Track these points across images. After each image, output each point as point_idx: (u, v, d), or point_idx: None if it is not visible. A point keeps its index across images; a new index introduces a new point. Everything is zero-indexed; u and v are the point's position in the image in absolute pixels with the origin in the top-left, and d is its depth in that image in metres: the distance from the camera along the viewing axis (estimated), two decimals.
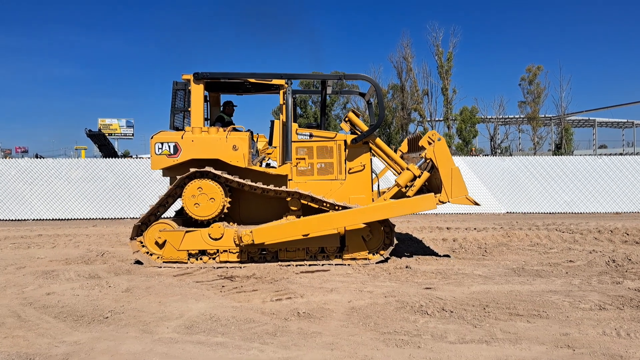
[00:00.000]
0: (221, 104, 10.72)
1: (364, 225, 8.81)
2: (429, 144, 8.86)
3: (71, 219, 17.52)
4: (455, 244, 11.03)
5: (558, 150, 49.90)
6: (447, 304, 5.94)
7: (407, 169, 8.96)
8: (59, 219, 17.51)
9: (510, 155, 47.38)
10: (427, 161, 8.90)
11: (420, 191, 8.98)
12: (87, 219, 17.55)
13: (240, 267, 8.51)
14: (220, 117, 10.13)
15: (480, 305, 5.87)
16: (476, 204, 8.69)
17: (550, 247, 10.44)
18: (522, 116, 54.14)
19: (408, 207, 8.61)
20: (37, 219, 17.46)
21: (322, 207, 8.82)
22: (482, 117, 51.52)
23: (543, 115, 52.10)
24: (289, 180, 9.41)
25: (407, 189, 8.87)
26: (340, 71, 58.09)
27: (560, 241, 11.24)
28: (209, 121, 10.36)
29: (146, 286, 6.99)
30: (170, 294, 6.53)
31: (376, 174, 10.31)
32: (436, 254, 9.62)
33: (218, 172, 8.66)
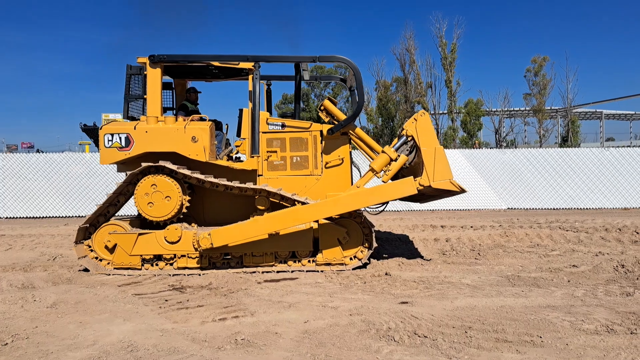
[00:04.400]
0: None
1: (340, 227, 7.79)
2: (414, 122, 7.86)
3: (47, 216, 16.59)
4: (447, 245, 10.00)
5: (564, 143, 48.59)
6: (422, 325, 4.92)
7: (383, 151, 7.93)
8: (34, 217, 16.58)
9: (515, 147, 46.14)
10: (409, 139, 7.87)
11: (399, 178, 7.97)
12: (64, 216, 16.59)
13: (200, 275, 7.54)
14: (183, 105, 9.12)
15: (461, 327, 4.86)
16: (462, 190, 7.66)
17: (552, 249, 9.39)
18: (527, 108, 52.77)
19: (384, 193, 7.60)
20: (10, 217, 16.53)
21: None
22: (487, 109, 50.28)
23: (549, 108, 50.72)
24: (259, 175, 8.41)
25: (383, 173, 7.86)
26: (344, 64, 57.04)
27: (563, 241, 10.18)
28: (173, 111, 9.38)
29: (76, 300, 6.03)
30: (99, 311, 5.56)
31: (358, 169, 9.29)
32: (423, 257, 8.60)
33: (174, 167, 7.66)
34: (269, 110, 10.02)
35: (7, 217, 16.55)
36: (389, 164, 7.88)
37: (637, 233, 10.80)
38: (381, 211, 9.04)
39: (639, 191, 16.70)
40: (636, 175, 16.70)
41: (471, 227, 12.56)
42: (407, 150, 8.05)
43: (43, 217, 16.54)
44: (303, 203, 7.65)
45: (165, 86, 9.57)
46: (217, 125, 9.46)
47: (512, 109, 54.43)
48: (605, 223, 12.47)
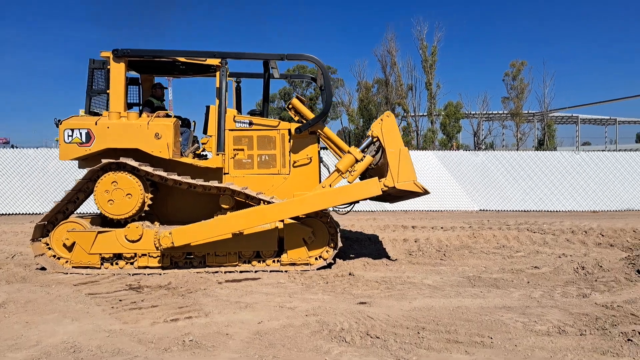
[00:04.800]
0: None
1: (306, 227, 7.73)
2: (379, 123, 7.86)
3: (20, 213, 16.15)
4: (415, 245, 10.01)
5: (541, 146, 49.30)
6: (376, 326, 4.89)
7: (349, 152, 7.91)
8: (6, 214, 16.13)
9: (494, 150, 46.69)
10: (375, 140, 7.86)
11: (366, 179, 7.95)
12: (37, 213, 16.16)
13: (160, 274, 7.41)
14: (148, 101, 8.95)
15: (415, 328, 4.84)
16: (426, 191, 7.66)
17: (517, 250, 9.46)
18: (505, 112, 53.40)
19: (349, 193, 7.57)
20: None
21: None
22: (466, 112, 50.78)
23: (526, 111, 51.42)
24: (225, 174, 8.30)
25: (349, 174, 7.84)
26: (325, 64, 57.01)
27: (529, 243, 10.27)
28: (140, 107, 9.21)
29: (27, 300, 5.86)
30: (48, 311, 5.41)
31: (328, 168, 9.24)
32: (389, 258, 8.58)
33: (135, 164, 7.51)
34: (239, 107, 9.92)
35: None
36: (355, 164, 7.85)
37: (602, 235, 10.97)
38: (349, 211, 9.02)
39: (608, 194, 16.99)
40: (605, 178, 16.98)
41: (441, 227, 12.61)
42: (374, 151, 8.03)
43: (16, 213, 16.13)
44: (268, 202, 7.58)
45: (132, 82, 9.43)
46: (184, 122, 9.32)
47: (490, 112, 55.06)
48: (572, 225, 12.63)
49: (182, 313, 5.34)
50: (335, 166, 7.93)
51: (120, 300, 5.87)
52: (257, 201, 7.71)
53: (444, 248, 9.61)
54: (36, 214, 16.07)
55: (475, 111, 52.97)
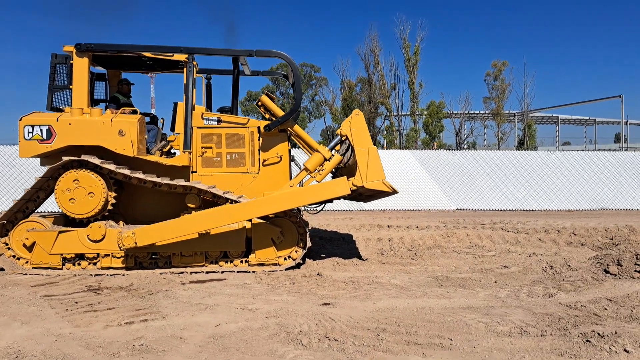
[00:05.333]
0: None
1: (275, 227, 7.59)
2: (348, 122, 7.77)
3: None
4: (388, 245, 9.93)
5: (521, 146, 49.78)
6: (336, 328, 4.78)
7: (317, 150, 7.81)
8: None
9: (475, 150, 47.00)
10: (343, 138, 7.76)
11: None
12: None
13: (123, 275, 7.22)
14: (114, 97, 8.74)
15: (376, 330, 4.74)
16: (394, 191, 7.58)
17: (489, 250, 9.44)
18: (487, 112, 53.83)
19: (317, 193, 7.46)
20: None
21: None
22: (448, 112, 51.07)
23: (507, 111, 51.90)
24: (193, 172, 8.13)
25: (317, 173, 7.73)
26: (309, 63, 56.73)
27: (501, 242, 10.27)
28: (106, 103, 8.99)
29: None
30: None
31: (299, 167, 9.11)
32: (360, 257, 8.49)
33: (97, 162, 7.30)
34: (209, 104, 9.75)
35: None
36: (323, 163, 7.74)
37: (575, 234, 11.01)
38: (320, 211, 8.91)
39: (583, 193, 17.14)
40: (580, 178, 17.13)
41: (417, 227, 12.57)
42: (344, 149, 7.93)
43: None
44: (234, 201, 7.43)
45: (99, 77, 9.21)
46: (152, 119, 9.14)
47: (472, 111, 55.46)
48: (546, 224, 12.69)
49: (139, 316, 5.18)
50: (304, 165, 7.82)
51: (76, 303, 5.68)
52: (224, 200, 7.55)
53: (416, 247, 9.55)
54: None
55: (457, 111, 53.33)
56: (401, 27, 46.57)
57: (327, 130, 56.12)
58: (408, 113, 49.07)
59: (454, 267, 7.91)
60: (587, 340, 4.32)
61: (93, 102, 9.01)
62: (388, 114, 49.82)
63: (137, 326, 4.84)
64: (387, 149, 39.03)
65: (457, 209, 17.14)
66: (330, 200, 9.22)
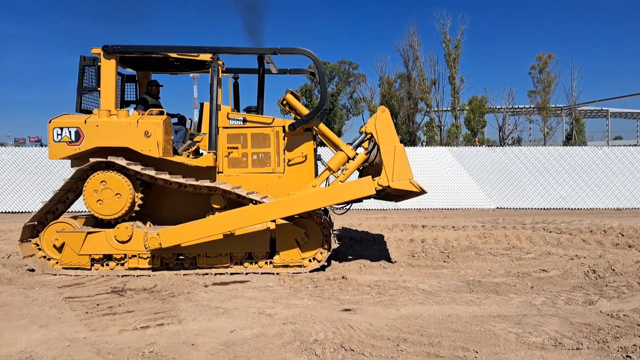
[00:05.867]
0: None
1: (299, 228, 7.42)
2: (374, 119, 7.52)
3: (26, 212, 16.31)
4: (420, 246, 9.60)
5: (569, 141, 47.90)
6: (354, 337, 4.56)
7: (340, 149, 7.58)
8: (28, 212, 16.29)
9: (520, 145, 45.25)
10: (368, 136, 7.50)
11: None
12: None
13: (149, 276, 7.22)
14: (142, 99, 8.77)
15: (396, 339, 4.49)
16: (423, 191, 7.26)
17: (528, 252, 8.98)
18: (532, 106, 52.11)
19: (340, 193, 7.22)
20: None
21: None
22: (491, 107, 49.74)
23: (553, 105, 50.10)
24: (219, 172, 8.06)
25: (340, 173, 7.51)
26: (347, 60, 56.38)
27: (542, 243, 9.76)
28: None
29: (3, 304, 5.72)
30: (20, 316, 5.24)
31: (327, 166, 8.91)
32: (389, 260, 8.22)
33: (123, 163, 7.31)
34: (237, 104, 9.67)
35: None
36: (347, 162, 7.52)
37: (622, 235, 10.37)
38: (346, 211, 8.72)
39: (633, 191, 16.21)
40: (630, 175, 16.20)
41: (452, 227, 12.15)
42: (371, 148, 7.67)
43: (30, 211, 16.27)
44: (257, 202, 7.30)
45: (129, 79, 9.28)
46: (180, 120, 9.15)
47: (516, 106, 53.81)
48: (592, 224, 12.03)
49: (156, 319, 5.11)
50: (326, 164, 7.61)
51: (97, 305, 5.68)
52: (249, 201, 7.44)
53: (449, 249, 9.19)
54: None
55: (501, 105, 51.85)
56: (441, 21, 45.60)
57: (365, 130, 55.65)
58: (449, 108, 48.04)
59: (488, 270, 7.53)
60: (627, 356, 3.94)
61: (124, 103, 9.11)
62: (428, 109, 48.93)
63: (152, 331, 4.77)
64: (427, 145, 38.39)
65: (497, 207, 16.53)
66: (359, 200, 8.98)
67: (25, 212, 16.26)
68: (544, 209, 16.34)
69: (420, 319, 5.09)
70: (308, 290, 6.37)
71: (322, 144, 9.04)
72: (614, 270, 7.09)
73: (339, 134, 48.48)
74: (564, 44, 78.09)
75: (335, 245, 7.49)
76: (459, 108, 47.03)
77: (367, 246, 9.66)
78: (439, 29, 46.29)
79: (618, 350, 4.07)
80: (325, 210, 9.56)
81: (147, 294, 6.20)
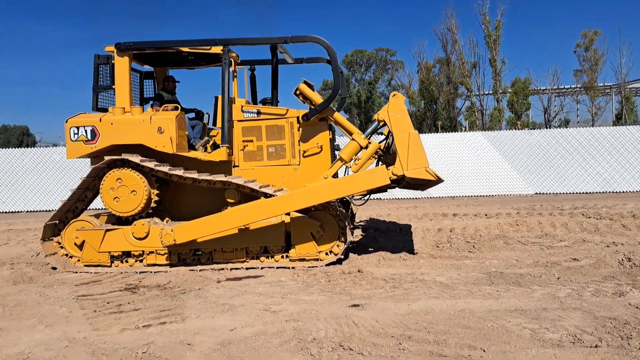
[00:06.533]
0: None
1: (314, 221, 7.25)
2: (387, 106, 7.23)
3: None
4: (447, 236, 9.25)
5: (618, 121, 45.63)
6: (355, 335, 4.35)
7: (352, 139, 7.32)
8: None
9: (567, 127, 43.43)
10: (381, 124, 7.22)
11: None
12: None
13: (166, 272, 7.22)
14: (158, 95, 8.76)
15: (400, 337, 4.25)
16: (439, 179, 6.91)
17: (561, 239, 8.49)
18: (578, 86, 49.88)
19: (353, 184, 6.98)
20: (30, 211, 16.91)
21: None
22: (535, 88, 47.95)
23: (601, 84, 47.81)
24: (235, 166, 7.98)
25: (353, 163, 7.27)
26: (384, 47, 55.54)
27: (578, 230, 9.23)
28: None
29: (17, 303, 5.82)
30: (29, 316, 5.30)
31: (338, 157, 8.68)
32: (411, 251, 7.93)
33: (137, 160, 7.32)
34: (254, 96, 9.55)
35: (28, 211, 16.93)
36: (360, 152, 7.27)
37: None
38: (365, 202, 8.49)
39: None
40: None
41: (485, 215, 11.70)
42: (385, 136, 7.40)
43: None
44: (269, 195, 7.16)
45: (148, 75, 9.31)
46: (198, 115, 9.11)
47: (561, 86, 51.62)
48: (635, 208, 11.32)
49: (160, 318, 5.06)
50: (338, 155, 7.39)
51: (107, 303, 5.69)
52: (262, 195, 7.32)
53: (477, 239, 8.80)
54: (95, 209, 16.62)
55: (545, 87, 49.99)
56: (480, 2, 44.11)
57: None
58: (490, 92, 46.59)
59: (515, 260, 7.14)
60: None
61: (143, 100, 9.16)
62: (469, 94, 47.62)
63: (153, 330, 4.71)
64: (469, 130, 37.36)
65: (536, 193, 15.85)
66: (383, 190, 8.72)
67: None
68: (587, 193, 15.55)
69: (430, 315, 4.83)
70: (320, 284, 6.20)
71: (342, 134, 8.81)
72: None
73: None
74: (610, 20, 73.94)
75: (350, 237, 7.28)
76: (501, 91, 45.54)
77: (391, 237, 9.40)
78: (478, 10, 44.74)
79: (639, 349, 3.71)
80: (347, 202, 9.36)
81: (159, 291, 6.19)
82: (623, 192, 15.36)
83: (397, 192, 15.45)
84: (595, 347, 3.85)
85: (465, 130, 38.09)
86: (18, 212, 17.08)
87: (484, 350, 3.90)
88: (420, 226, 10.50)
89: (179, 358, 4.02)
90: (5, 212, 17.08)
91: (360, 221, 11.44)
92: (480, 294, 5.45)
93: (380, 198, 15.65)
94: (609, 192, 15.49)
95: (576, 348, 3.87)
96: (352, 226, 9.68)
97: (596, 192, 15.53)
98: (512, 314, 4.77)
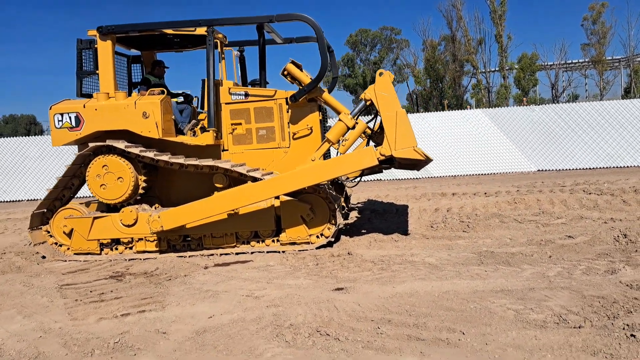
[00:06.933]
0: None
1: (304, 204, 7.12)
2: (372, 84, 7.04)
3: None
4: (443, 215, 9.09)
5: (627, 94, 44.86)
6: (334, 319, 4.25)
7: (339, 119, 7.15)
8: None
9: (575, 102, 42.81)
10: (368, 103, 7.04)
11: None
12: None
13: (155, 258, 7.16)
14: (145, 79, 8.60)
15: (380, 321, 4.14)
16: (428, 158, 6.75)
17: (558, 217, 8.31)
18: (586, 60, 49.01)
19: (340, 166, 6.82)
20: (31, 199, 16.93)
21: None
22: (542, 64, 47.19)
23: (610, 58, 46.98)
24: (224, 150, 7.85)
25: (340, 144, 7.11)
26: (389, 25, 54.73)
27: (576, 207, 9.04)
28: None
29: (0, 293, 5.76)
30: (9, 306, 5.26)
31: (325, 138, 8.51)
32: (404, 232, 7.79)
33: (121, 146, 7.21)
34: (244, 78, 9.38)
35: (29, 200, 16.96)
36: (347, 132, 7.10)
37: None
38: (357, 183, 8.36)
39: None
40: None
41: (485, 193, 11.52)
42: (374, 115, 7.22)
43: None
44: (257, 179, 7.04)
45: (135, 60, 9.15)
46: (186, 98, 8.95)
47: (569, 61, 50.81)
48: (637, 183, 11.07)
49: (140, 306, 4.98)
50: (325, 136, 7.22)
51: (90, 292, 5.63)
52: (250, 179, 7.19)
53: (472, 218, 8.63)
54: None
55: (553, 62, 49.21)
56: None
57: (411, 94, 54.17)
58: (497, 69, 45.95)
59: (509, 239, 6.99)
60: (632, 335, 3.43)
61: (131, 85, 9.01)
62: (475, 71, 46.99)
63: (131, 318, 4.64)
64: (476, 107, 36.85)
65: (538, 170, 15.61)
66: (378, 171, 8.59)
67: None
68: (590, 168, 15.29)
69: (414, 297, 4.71)
70: (308, 268, 6.10)
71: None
72: None
73: None
74: None
75: (341, 220, 7.15)
76: (507, 67, 44.88)
77: (386, 218, 9.26)
78: None
79: (623, 328, 3.56)
80: (341, 184, 9.22)
81: (144, 278, 6.12)
82: (628, 166, 15.07)
83: (397, 173, 15.29)
84: (579, 327, 3.72)
85: (470, 108, 37.60)
86: (19, 201, 17.11)
87: (463, 333, 3.78)
88: (418, 206, 10.36)
89: (152, 347, 3.95)
90: (6, 202, 17.12)
91: (358, 202, 11.32)
92: (467, 275, 5.32)
93: (380, 179, 15.48)
94: (614, 167, 15.21)
95: (559, 329, 3.74)
96: (347, 208, 9.57)
97: (600, 168, 15.26)
98: (497, 294, 4.64)
